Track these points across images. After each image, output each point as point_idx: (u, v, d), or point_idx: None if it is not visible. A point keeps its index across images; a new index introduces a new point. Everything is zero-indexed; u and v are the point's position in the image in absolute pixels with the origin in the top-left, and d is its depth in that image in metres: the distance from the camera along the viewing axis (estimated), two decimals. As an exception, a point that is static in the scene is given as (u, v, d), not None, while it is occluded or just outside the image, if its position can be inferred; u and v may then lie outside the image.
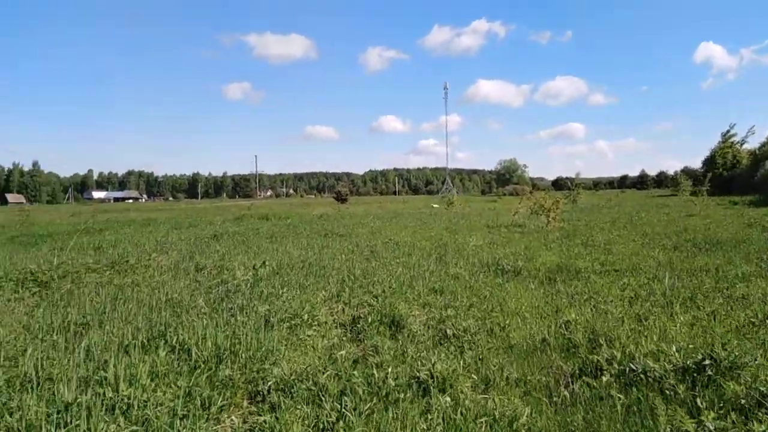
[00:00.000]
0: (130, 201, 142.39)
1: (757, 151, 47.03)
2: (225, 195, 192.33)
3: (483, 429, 2.85)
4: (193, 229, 20.67)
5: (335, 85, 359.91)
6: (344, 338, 4.92)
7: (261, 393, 3.60)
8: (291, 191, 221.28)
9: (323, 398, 3.27)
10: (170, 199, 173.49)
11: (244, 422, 3.21)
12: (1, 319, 5.52)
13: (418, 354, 4.15)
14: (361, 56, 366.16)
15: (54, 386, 3.36)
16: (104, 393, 3.16)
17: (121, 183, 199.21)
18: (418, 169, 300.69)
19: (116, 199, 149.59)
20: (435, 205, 37.65)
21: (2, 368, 3.65)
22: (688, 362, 3.44)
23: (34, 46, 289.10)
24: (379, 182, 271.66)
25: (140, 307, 5.75)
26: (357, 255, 10.59)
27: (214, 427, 3.13)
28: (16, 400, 3.02)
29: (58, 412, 2.85)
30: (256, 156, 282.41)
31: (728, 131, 52.99)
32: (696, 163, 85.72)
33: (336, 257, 10.23)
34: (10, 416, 2.84)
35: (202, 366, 3.72)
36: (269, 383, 3.59)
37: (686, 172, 64.48)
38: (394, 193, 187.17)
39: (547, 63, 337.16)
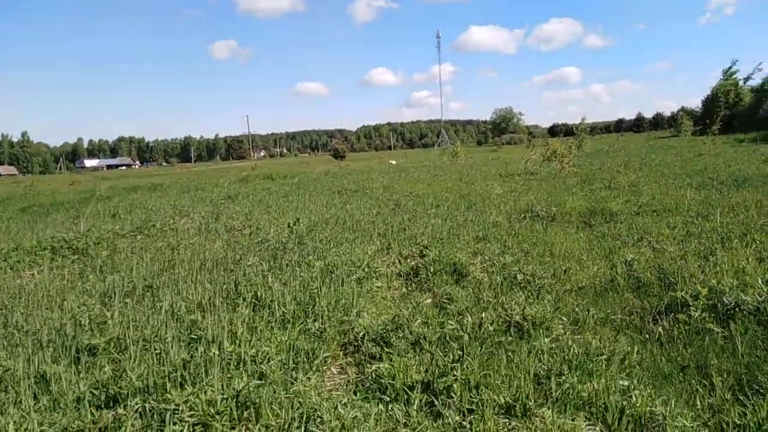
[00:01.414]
0: (123, 168, 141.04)
1: (759, 88, 46.50)
2: (218, 157, 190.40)
3: (602, 366, 2.88)
4: (202, 192, 20.51)
5: (323, 38, 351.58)
6: (410, 288, 4.95)
7: (352, 344, 3.63)
8: (285, 150, 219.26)
9: (424, 345, 3.30)
10: (163, 164, 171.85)
11: (342, 372, 3.24)
12: (63, 287, 5.50)
13: (496, 299, 4.17)
14: (349, 7, 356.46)
15: (150, 346, 3.37)
16: (207, 350, 3.17)
17: (113, 150, 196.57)
18: (412, 122, 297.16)
19: (109, 167, 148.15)
20: (393, 162, 33.87)
21: (93, 332, 3.65)
22: (780, 293, 3.47)
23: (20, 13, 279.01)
24: (373, 138, 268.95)
25: (199, 268, 5.73)
26: (384, 209, 10.55)
27: (320, 379, 3.16)
28: (128, 362, 3.03)
29: (175, 371, 2.86)
30: (247, 116, 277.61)
31: (730, 68, 52.17)
32: (692, 103, 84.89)
33: (363, 213, 10.20)
34: (129, 375, 2.84)
35: (291, 320, 3.73)
36: (360, 333, 3.62)
37: (686, 112, 63.89)
38: (390, 148, 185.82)
39: (540, 5, 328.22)
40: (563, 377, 2.66)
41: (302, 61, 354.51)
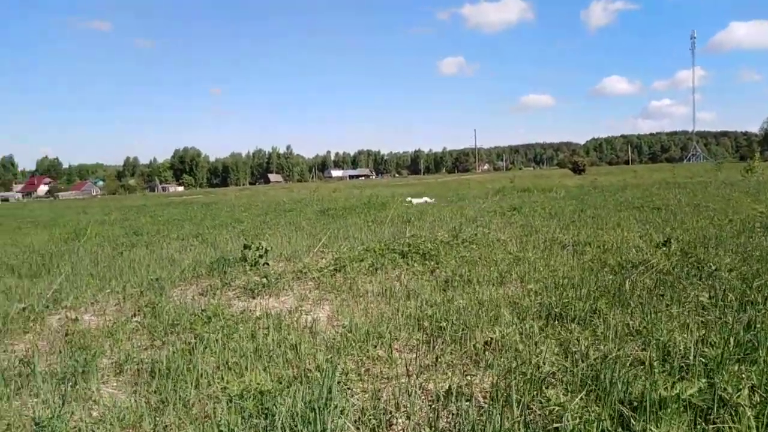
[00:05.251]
0: (362, 178, 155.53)
1: None
2: (444, 170, 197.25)
3: None
4: (468, 202, 20.30)
5: (552, 48, 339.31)
6: None
7: None
8: (509, 164, 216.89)
9: None
10: (396, 175, 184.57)
11: None
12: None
13: None
14: (583, 13, 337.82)
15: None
16: None
17: (353, 161, 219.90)
18: (651, 134, 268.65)
19: (351, 177, 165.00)
20: (424, 200, 21.25)
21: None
22: None
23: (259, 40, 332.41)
24: (604, 151, 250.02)
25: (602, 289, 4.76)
26: None
27: None
28: None
29: None
30: (474, 130, 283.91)
31: None
32: None
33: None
34: None
35: None
36: None
37: None
38: (626, 162, 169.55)
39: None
40: None
41: (528, 73, 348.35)
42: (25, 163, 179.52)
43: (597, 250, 7.68)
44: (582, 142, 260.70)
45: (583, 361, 3.10)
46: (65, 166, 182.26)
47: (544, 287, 5.50)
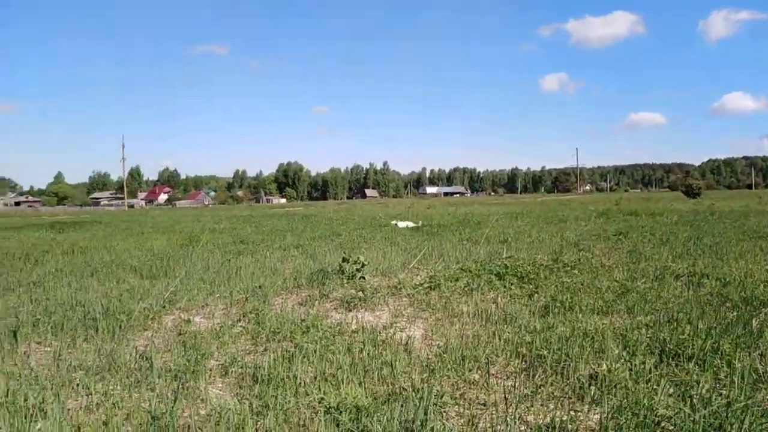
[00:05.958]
0: (457, 195, 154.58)
1: None
2: (543, 189, 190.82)
3: None
4: (569, 224, 19.40)
5: (665, 63, 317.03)
6: None
7: None
8: (614, 185, 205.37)
9: None
10: (492, 194, 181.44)
11: None
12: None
13: None
14: (701, 24, 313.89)
15: None
16: None
17: (448, 178, 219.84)
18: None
19: (445, 194, 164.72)
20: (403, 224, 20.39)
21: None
22: None
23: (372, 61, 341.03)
24: (723, 174, 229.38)
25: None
26: None
27: None
28: None
29: None
30: (576, 149, 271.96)
31: None
32: None
33: None
34: None
35: None
36: None
37: None
38: (749, 186, 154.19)
39: None
40: None
41: (638, 90, 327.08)
42: (149, 173, 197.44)
43: (717, 283, 7.00)
44: (697, 164, 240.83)
45: (704, 407, 2.81)
46: (183, 177, 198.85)
47: (656, 320, 5.09)
